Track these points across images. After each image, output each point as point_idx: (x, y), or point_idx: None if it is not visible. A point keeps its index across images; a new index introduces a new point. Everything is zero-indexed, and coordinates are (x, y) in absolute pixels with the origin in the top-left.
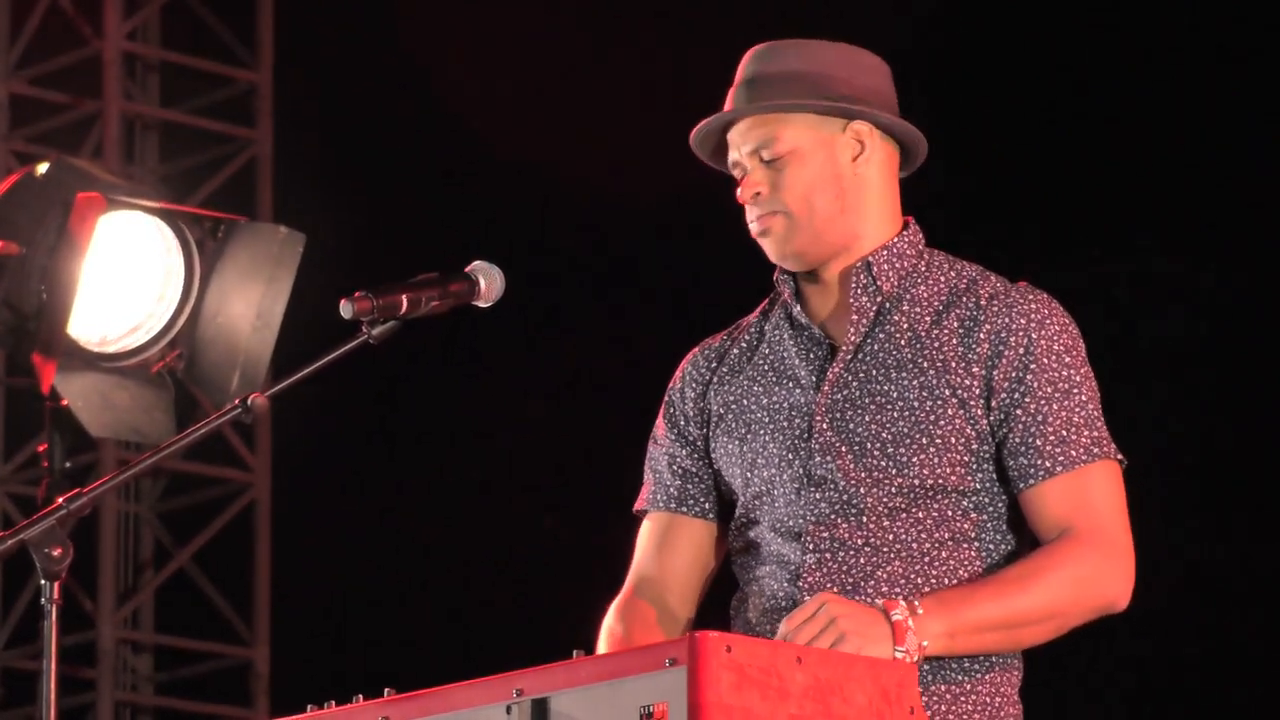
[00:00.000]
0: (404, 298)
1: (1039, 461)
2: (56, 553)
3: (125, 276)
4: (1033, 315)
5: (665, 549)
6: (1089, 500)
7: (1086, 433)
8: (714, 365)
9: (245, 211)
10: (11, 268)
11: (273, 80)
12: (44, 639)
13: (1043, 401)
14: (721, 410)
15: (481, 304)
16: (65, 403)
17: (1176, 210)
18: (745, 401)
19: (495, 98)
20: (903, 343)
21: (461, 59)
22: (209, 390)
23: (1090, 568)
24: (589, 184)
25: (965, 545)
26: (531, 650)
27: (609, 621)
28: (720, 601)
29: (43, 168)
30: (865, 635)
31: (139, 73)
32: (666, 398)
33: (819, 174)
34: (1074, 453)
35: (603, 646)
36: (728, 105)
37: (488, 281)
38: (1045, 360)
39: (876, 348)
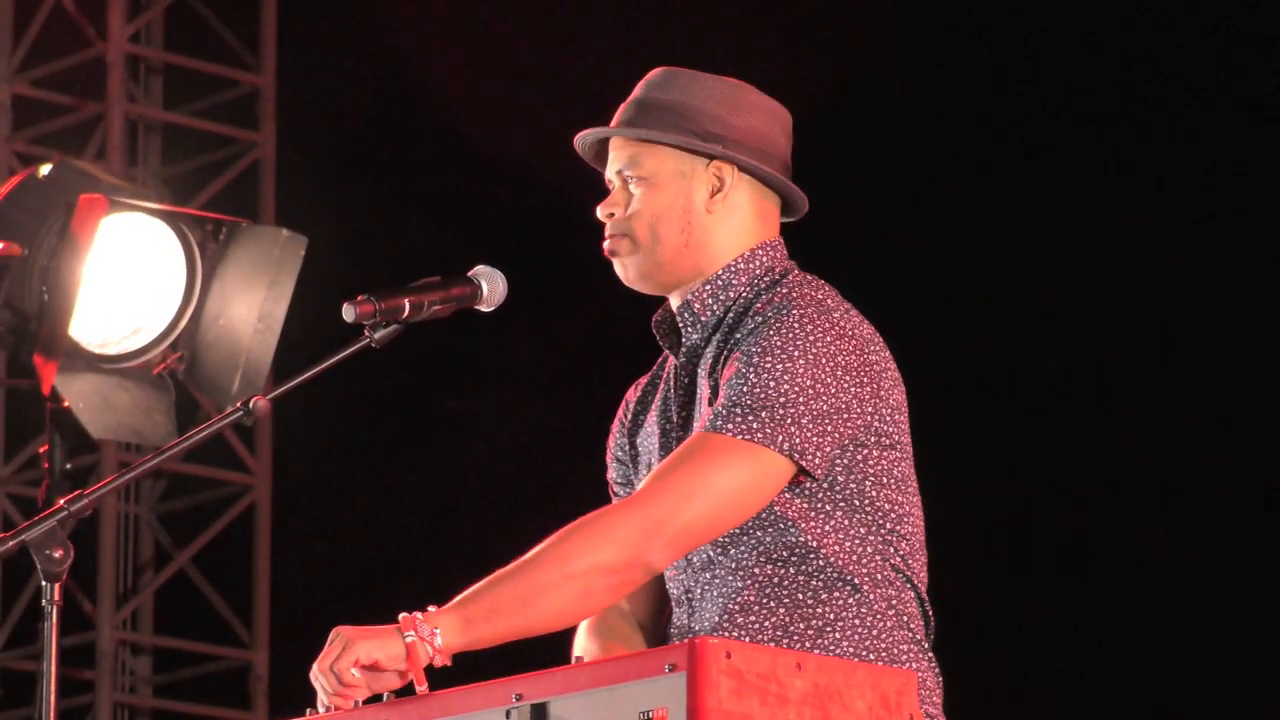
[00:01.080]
0: (406, 301)
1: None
2: (57, 554)
3: (127, 278)
4: (778, 296)
5: None
6: (668, 467)
7: (725, 404)
8: (637, 407)
9: (247, 214)
10: (13, 269)
11: (276, 83)
12: (44, 640)
13: (738, 361)
14: (631, 448)
15: (484, 308)
16: (66, 404)
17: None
18: (646, 442)
19: (498, 101)
20: (702, 374)
21: (462, 62)
22: (210, 392)
23: (603, 521)
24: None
25: (811, 556)
26: (531, 655)
27: (582, 636)
28: None
29: (45, 169)
30: (369, 635)
31: (142, 75)
32: (610, 439)
33: (669, 205)
34: (709, 417)
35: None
36: (614, 119)
37: (490, 285)
38: (764, 331)
39: (699, 382)
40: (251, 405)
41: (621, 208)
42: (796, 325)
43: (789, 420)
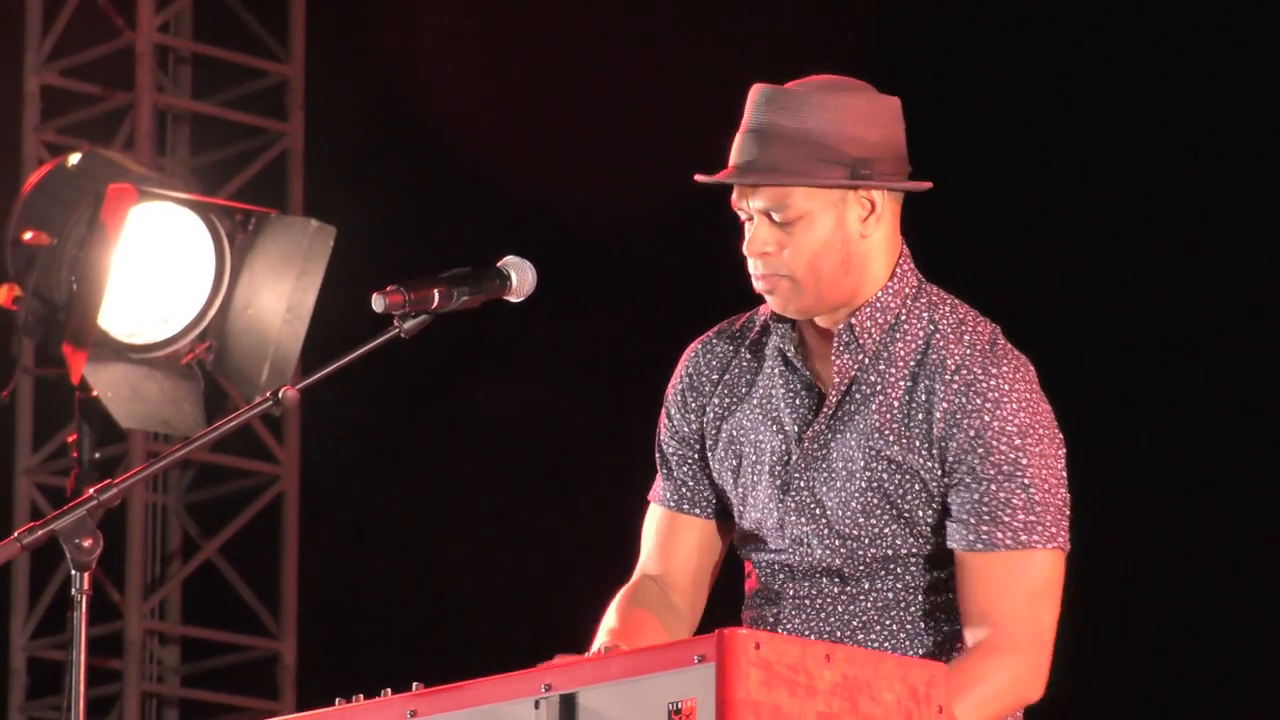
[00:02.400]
0: (436, 291)
1: (964, 532)
2: (87, 543)
3: (156, 268)
4: (989, 394)
5: (670, 547)
6: (1009, 591)
7: (1021, 517)
8: (715, 380)
9: (276, 204)
10: (42, 258)
11: (304, 73)
12: (73, 629)
13: (984, 481)
14: (716, 434)
15: (513, 298)
16: (95, 394)
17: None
18: (737, 433)
19: (527, 91)
20: (874, 408)
21: (488, 51)
22: (238, 382)
23: (1006, 677)
24: (620, 177)
25: (945, 590)
26: (561, 645)
27: (608, 620)
28: (731, 596)
29: (74, 159)
30: None
31: (171, 65)
32: (669, 396)
33: (828, 239)
34: (1000, 534)
35: (601, 639)
36: (734, 151)
37: (519, 276)
38: (994, 443)
39: (853, 409)
40: (280, 395)
41: (774, 245)
42: (1034, 412)
43: (1065, 515)
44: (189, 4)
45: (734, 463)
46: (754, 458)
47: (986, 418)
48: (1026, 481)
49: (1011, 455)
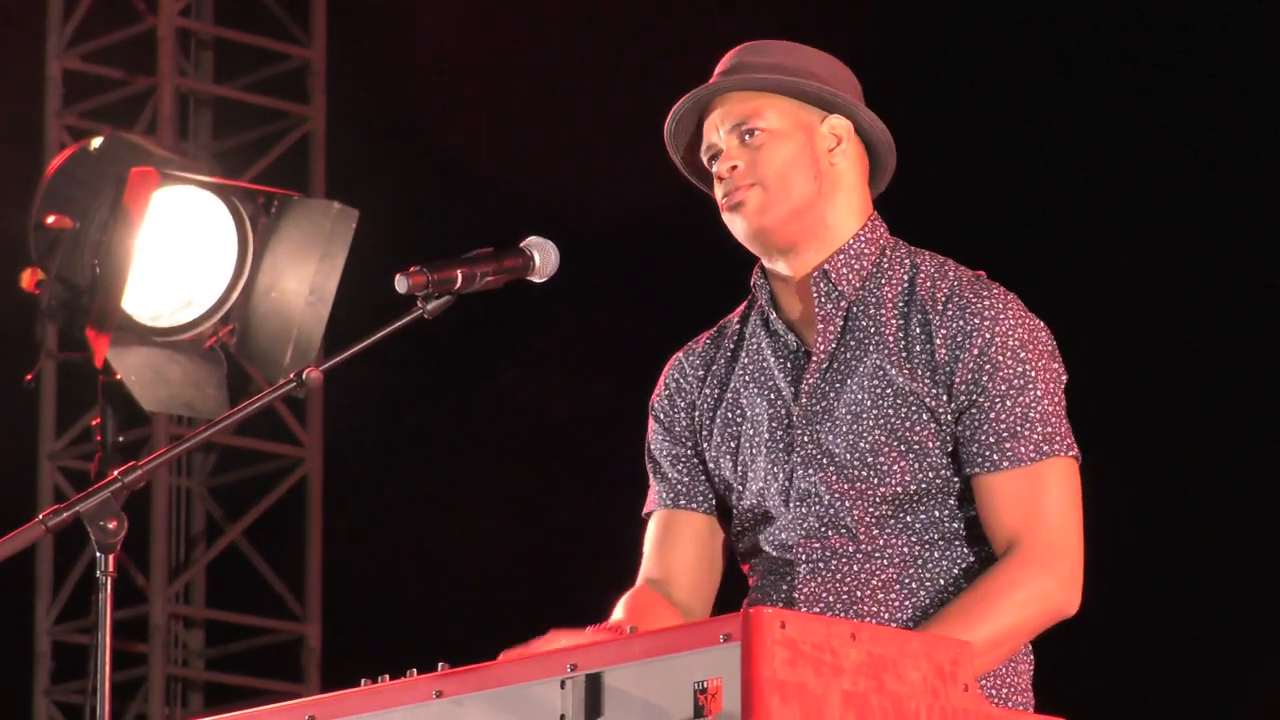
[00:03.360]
0: (459, 273)
1: (987, 454)
2: (112, 525)
3: (179, 251)
4: (986, 313)
5: (667, 547)
6: (1037, 503)
7: (1040, 428)
8: (700, 375)
9: (298, 187)
10: (65, 242)
11: (326, 56)
12: (98, 612)
13: (995, 398)
14: (710, 424)
15: (536, 279)
16: (118, 377)
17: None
18: (731, 414)
19: (548, 74)
20: (871, 348)
21: (512, 35)
22: (262, 365)
23: (1036, 586)
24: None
25: (958, 543)
26: (588, 626)
27: (614, 616)
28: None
29: (97, 143)
30: None
31: (193, 49)
32: (654, 404)
33: (798, 154)
34: (1023, 449)
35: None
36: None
37: (543, 256)
38: (999, 358)
39: (848, 355)
40: (304, 377)
41: (744, 161)
42: (1031, 327)
43: (1067, 423)
44: None
45: (732, 444)
46: (751, 432)
47: (988, 335)
48: (1039, 394)
49: (1019, 369)
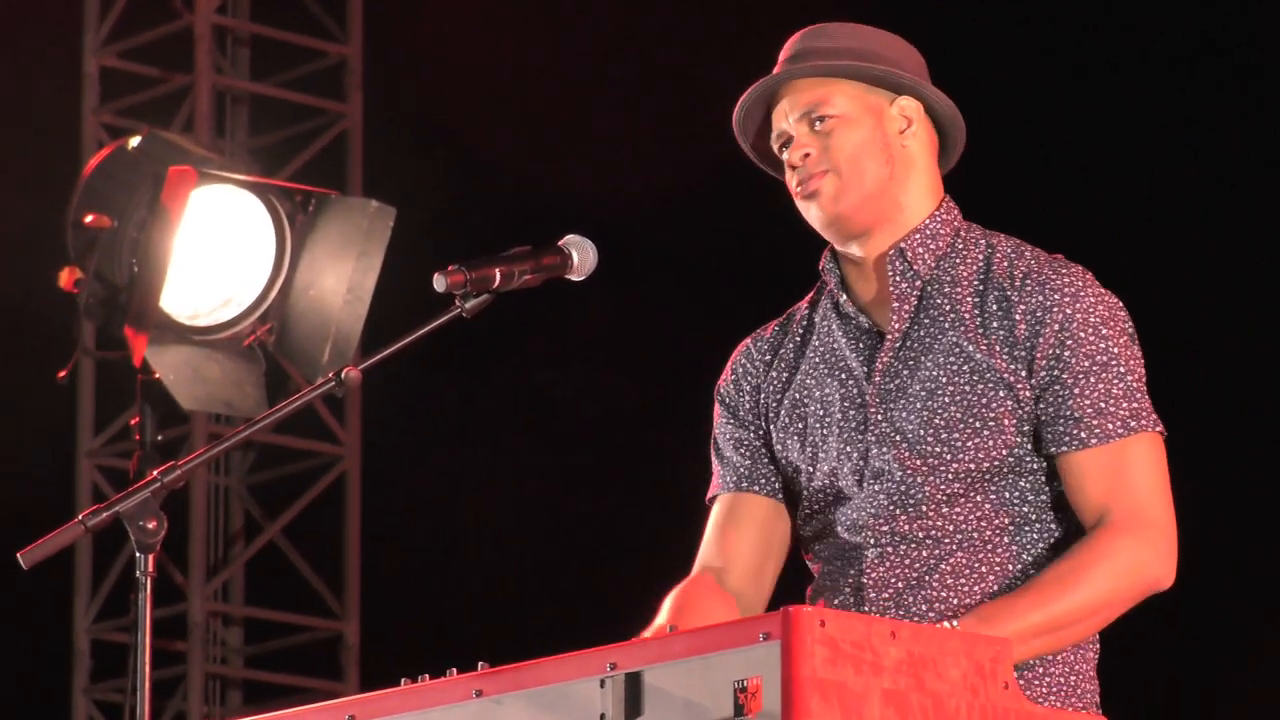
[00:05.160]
0: (497, 271)
1: (1074, 431)
2: (151, 525)
3: (217, 250)
4: (1066, 290)
5: (729, 530)
6: (1127, 478)
7: (1125, 404)
8: (768, 360)
9: (336, 185)
10: (103, 241)
11: (363, 53)
12: (138, 611)
13: (1079, 375)
14: (778, 407)
15: (574, 277)
16: (157, 376)
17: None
18: (799, 395)
19: (585, 70)
20: (947, 326)
21: (545, 32)
22: (300, 363)
23: (1129, 557)
24: (675, 157)
25: (1027, 529)
26: (626, 624)
27: (661, 615)
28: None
29: (134, 141)
30: None
31: (229, 46)
32: (720, 388)
33: (869, 139)
34: (1110, 425)
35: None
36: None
37: (581, 255)
38: (1081, 334)
39: (923, 333)
40: (343, 376)
41: (815, 148)
42: (1111, 304)
43: (1149, 399)
44: None
45: (800, 426)
46: (821, 413)
47: (1069, 310)
48: (1123, 369)
49: (1101, 345)
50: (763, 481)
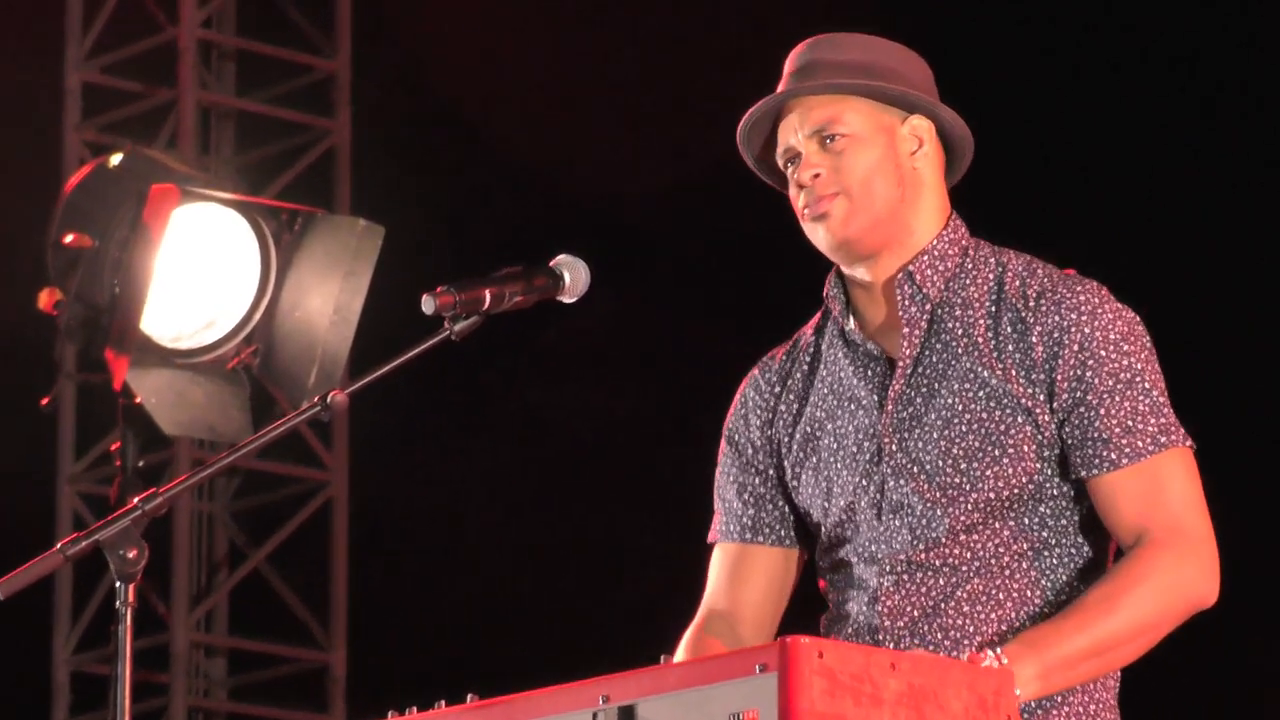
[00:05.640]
0: (487, 292)
1: (1104, 452)
2: (132, 554)
3: (200, 270)
4: (1083, 308)
5: (737, 580)
6: (1162, 496)
7: (1153, 420)
8: (777, 392)
9: (323, 203)
10: (84, 261)
11: (351, 68)
12: (118, 642)
13: (1104, 394)
14: (789, 440)
15: (566, 299)
16: (138, 400)
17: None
18: (811, 429)
19: (580, 86)
20: (960, 351)
21: (541, 46)
22: (286, 387)
23: (1173, 574)
24: (674, 177)
25: (1046, 554)
26: (619, 655)
27: (680, 653)
28: (804, 623)
29: (116, 158)
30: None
31: (214, 61)
32: (729, 424)
33: (881, 159)
34: (1140, 443)
35: None
36: (782, 87)
37: (573, 275)
38: (1102, 353)
39: (935, 359)
40: (329, 400)
41: (826, 168)
42: (1129, 319)
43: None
44: None
45: (813, 460)
46: (834, 446)
47: (1087, 329)
48: (1147, 385)
49: (1124, 361)
50: (767, 531)
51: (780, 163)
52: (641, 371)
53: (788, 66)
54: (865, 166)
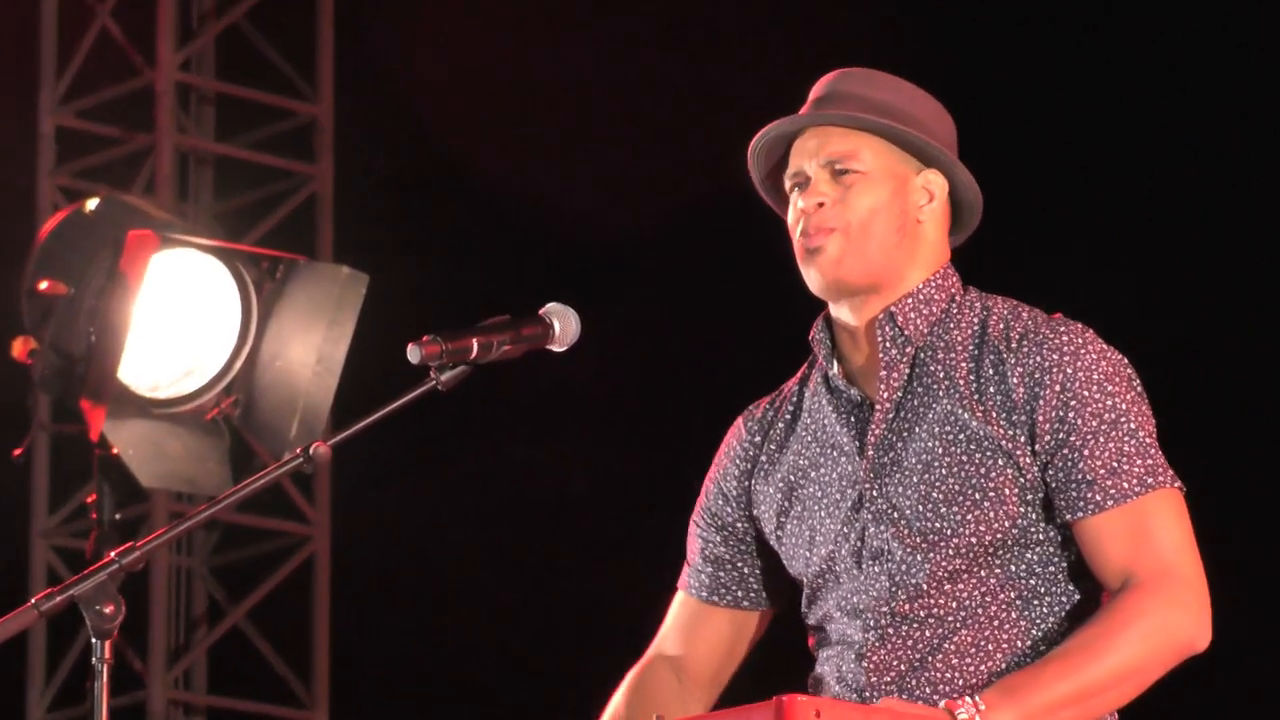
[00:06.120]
0: (474, 342)
1: (1089, 494)
2: (108, 610)
3: (179, 319)
4: (1065, 349)
5: (689, 633)
6: (1149, 538)
7: (1139, 462)
8: (758, 442)
9: (305, 250)
10: (60, 309)
11: (334, 113)
12: (94, 701)
13: (1087, 436)
14: (771, 490)
15: (556, 348)
16: (115, 451)
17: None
18: (794, 478)
19: (566, 133)
20: (941, 394)
21: (525, 90)
22: (267, 439)
23: (1159, 618)
24: (664, 213)
25: (1036, 603)
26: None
27: (616, 700)
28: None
29: (92, 204)
30: (919, 715)
31: (193, 105)
32: (711, 475)
33: (886, 204)
34: (1126, 484)
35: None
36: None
37: (563, 324)
38: (1085, 393)
39: (916, 402)
40: (311, 452)
41: (830, 199)
42: (1114, 360)
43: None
44: (211, 40)
45: (797, 509)
46: (818, 494)
47: (1069, 370)
48: (1133, 426)
49: (1108, 402)
50: (723, 592)
51: (787, 184)
52: (627, 422)
53: (815, 92)
54: (869, 206)
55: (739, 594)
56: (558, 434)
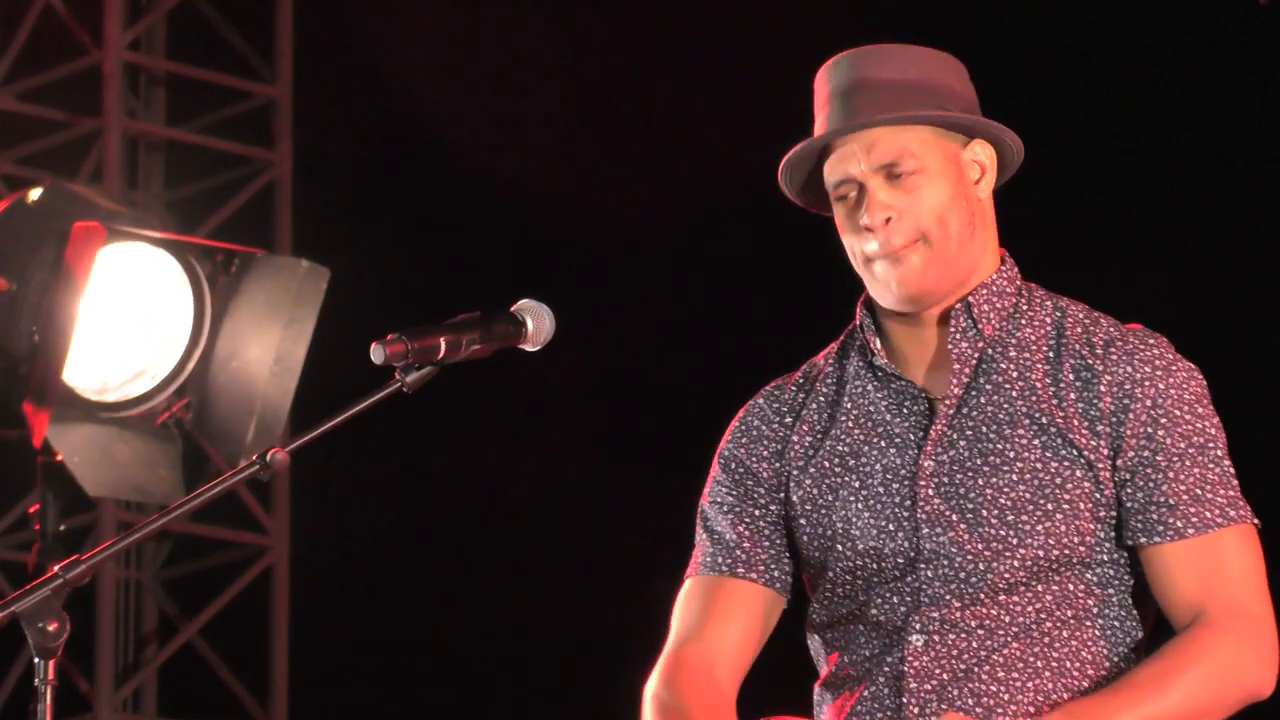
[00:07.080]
0: (442, 340)
1: (1169, 519)
2: (52, 627)
3: (127, 316)
4: (1156, 362)
5: (718, 616)
6: (1223, 573)
7: (1223, 492)
8: (789, 423)
9: (262, 242)
10: (1, 306)
11: (293, 95)
12: None
13: (1175, 457)
14: (802, 475)
15: (529, 347)
16: (60, 458)
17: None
18: (830, 464)
19: (535, 122)
20: (1014, 394)
21: (493, 79)
22: (221, 444)
23: (1229, 659)
24: (636, 214)
25: (1089, 624)
26: None
27: (655, 688)
28: (763, 680)
29: (35, 194)
30: None
31: (143, 87)
32: (725, 452)
33: (953, 195)
34: (1209, 514)
35: (649, 716)
36: (825, 120)
37: (536, 322)
38: (1176, 412)
39: (984, 400)
40: (268, 458)
41: (898, 209)
42: (1202, 381)
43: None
44: (162, 18)
45: (829, 498)
46: (857, 485)
47: (1161, 385)
48: (1220, 454)
49: (1199, 425)
50: (761, 568)
51: (832, 192)
52: (601, 428)
53: (830, 82)
54: (940, 204)
55: (775, 571)
56: (528, 439)
